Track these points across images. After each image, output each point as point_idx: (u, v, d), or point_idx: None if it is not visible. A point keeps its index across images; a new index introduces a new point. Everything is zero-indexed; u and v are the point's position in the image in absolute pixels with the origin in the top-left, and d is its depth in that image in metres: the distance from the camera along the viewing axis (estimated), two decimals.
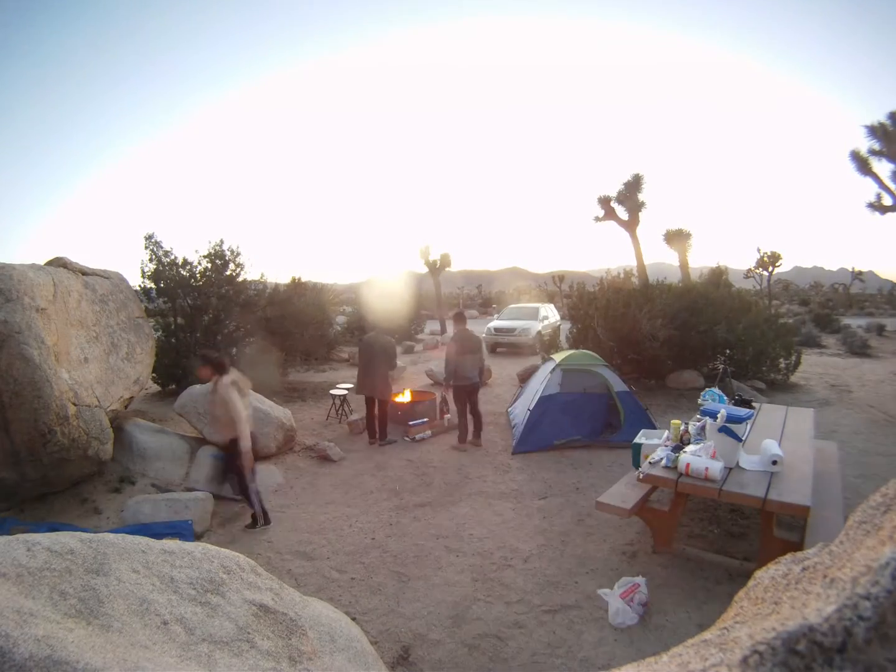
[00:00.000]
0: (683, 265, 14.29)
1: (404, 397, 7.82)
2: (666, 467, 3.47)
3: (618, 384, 6.28)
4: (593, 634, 2.90)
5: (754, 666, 0.57)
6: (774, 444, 3.57)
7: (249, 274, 9.46)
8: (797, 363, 9.30)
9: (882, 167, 11.25)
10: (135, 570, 1.63)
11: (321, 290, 12.09)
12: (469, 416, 6.40)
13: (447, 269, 21.01)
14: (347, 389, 8.07)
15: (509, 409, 7.68)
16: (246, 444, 4.11)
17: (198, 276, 8.83)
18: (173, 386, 8.63)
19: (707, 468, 3.25)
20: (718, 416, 3.54)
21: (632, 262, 13.58)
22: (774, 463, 3.38)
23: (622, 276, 10.73)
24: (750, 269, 31.65)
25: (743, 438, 3.64)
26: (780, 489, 3.08)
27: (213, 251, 9.01)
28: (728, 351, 8.88)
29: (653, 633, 2.88)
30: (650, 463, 3.62)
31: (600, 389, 6.30)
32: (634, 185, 13.70)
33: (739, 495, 3.12)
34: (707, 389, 4.65)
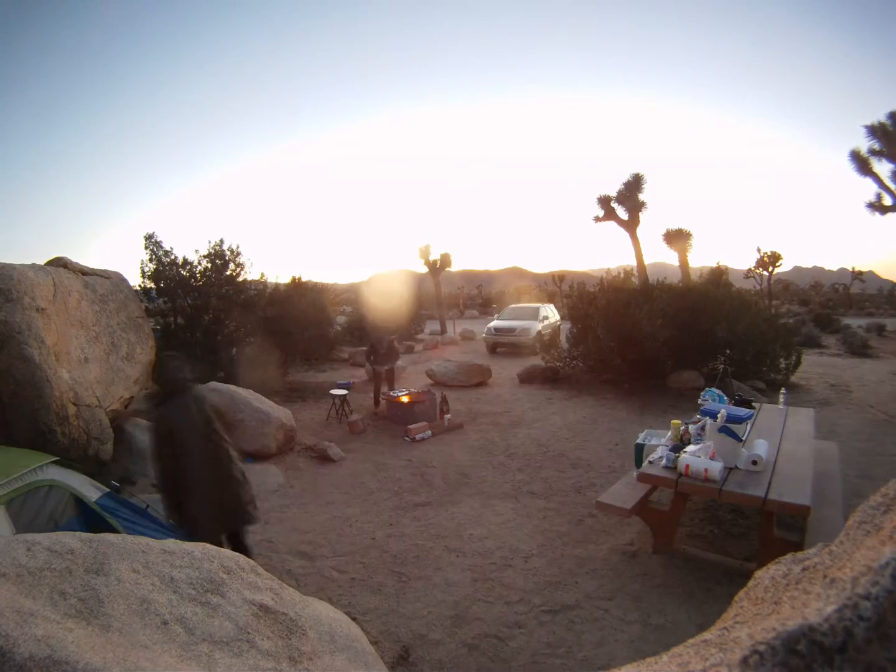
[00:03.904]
0: (683, 265, 14.31)
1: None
2: (666, 467, 3.47)
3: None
4: (593, 634, 2.90)
5: (754, 666, 0.57)
6: (762, 444, 3.54)
7: (249, 274, 9.49)
8: (797, 363, 9.29)
9: (882, 167, 11.26)
10: (135, 570, 1.63)
11: (321, 290, 12.09)
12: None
13: (447, 269, 21.02)
14: (347, 389, 8.07)
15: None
16: None
17: (198, 276, 8.84)
18: None
19: (707, 468, 3.25)
20: (718, 416, 3.54)
21: (632, 262, 13.59)
22: (754, 463, 3.35)
23: (622, 276, 10.72)
24: (750, 269, 31.67)
25: (743, 438, 3.64)
26: (780, 489, 3.08)
27: (213, 251, 9.02)
28: (728, 351, 8.88)
29: (653, 633, 2.88)
30: (650, 462, 3.62)
31: None
32: (634, 185, 13.72)
33: (739, 495, 3.12)
34: (707, 389, 4.65)
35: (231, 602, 1.70)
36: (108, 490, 3.74)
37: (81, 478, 3.64)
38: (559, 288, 35.32)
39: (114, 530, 3.25)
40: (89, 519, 3.35)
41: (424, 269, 20.87)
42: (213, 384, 6.13)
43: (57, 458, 3.53)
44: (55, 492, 3.29)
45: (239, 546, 3.07)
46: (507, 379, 10.57)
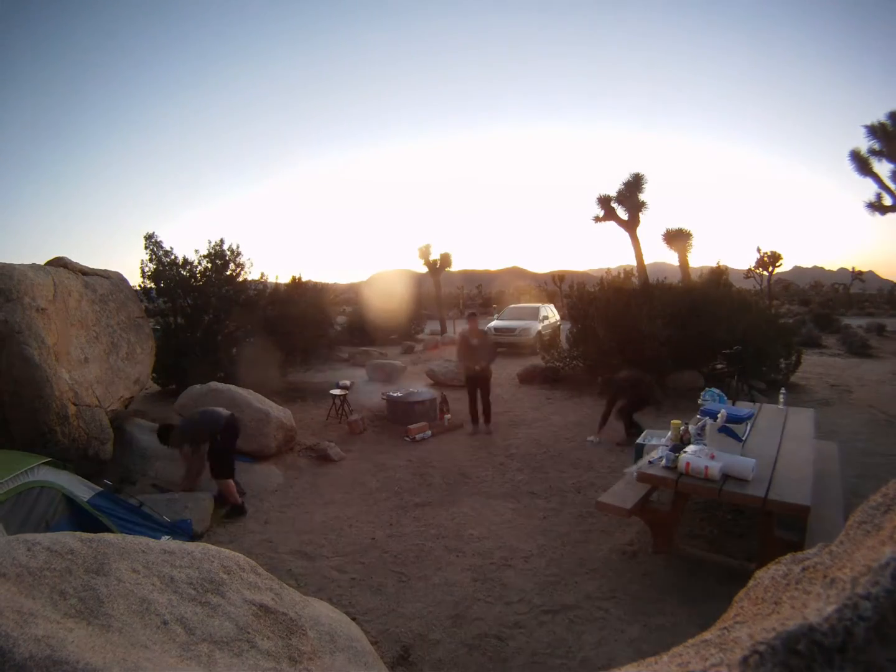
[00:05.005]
0: (683, 265, 14.28)
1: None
2: (666, 467, 3.47)
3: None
4: (593, 634, 2.90)
5: (754, 666, 0.57)
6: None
7: (249, 274, 9.49)
8: (797, 363, 9.29)
9: (882, 167, 11.27)
10: (135, 570, 1.63)
11: (321, 290, 12.09)
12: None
13: (447, 269, 21.02)
14: (346, 388, 8.07)
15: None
16: None
17: (198, 276, 8.84)
18: (173, 386, 8.63)
19: (707, 467, 3.25)
20: (718, 416, 3.54)
21: (632, 262, 13.57)
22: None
23: (622, 276, 10.70)
24: (750, 269, 31.67)
25: (743, 438, 3.64)
26: (780, 489, 3.08)
27: (213, 251, 9.02)
28: (728, 350, 8.88)
29: (653, 633, 2.88)
30: (649, 462, 3.62)
31: None
32: (634, 185, 13.69)
33: (739, 495, 3.12)
34: (707, 389, 4.64)
35: (231, 602, 1.70)
36: (100, 489, 3.73)
37: (73, 478, 3.65)
38: (559, 288, 35.29)
39: (107, 529, 3.26)
40: (82, 519, 3.36)
41: (424, 269, 20.86)
42: (213, 384, 6.13)
43: (48, 459, 3.53)
44: (46, 493, 3.29)
45: None
46: (507, 379, 10.57)
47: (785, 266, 31.64)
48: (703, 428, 3.75)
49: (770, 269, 30.16)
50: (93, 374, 5.08)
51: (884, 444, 5.97)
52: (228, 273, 9.10)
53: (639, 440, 4.79)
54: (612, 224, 14.30)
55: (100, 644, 1.27)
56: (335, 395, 7.82)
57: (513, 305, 17.98)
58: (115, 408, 5.50)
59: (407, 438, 6.69)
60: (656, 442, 4.46)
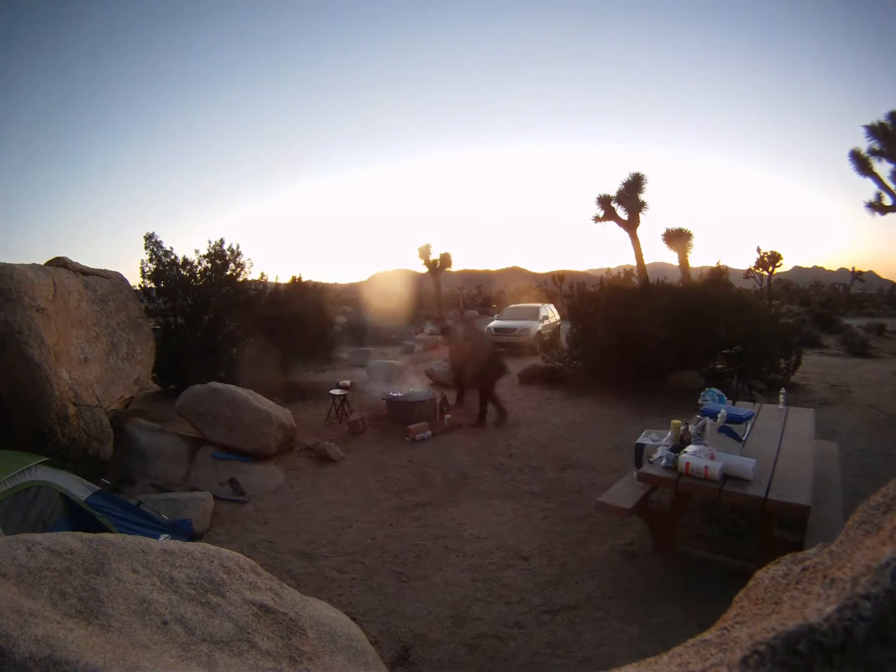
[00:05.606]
0: (683, 265, 14.29)
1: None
2: (666, 467, 3.46)
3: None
4: (593, 634, 2.89)
5: (754, 666, 0.57)
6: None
7: (249, 274, 9.49)
8: (797, 363, 9.29)
9: (882, 167, 11.28)
10: (135, 570, 1.63)
11: (321, 290, 12.08)
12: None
13: (447, 269, 21.04)
14: (346, 388, 8.06)
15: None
16: None
17: (198, 275, 8.84)
18: (173, 386, 8.62)
19: (707, 467, 3.24)
20: (718, 416, 3.54)
21: (632, 262, 13.59)
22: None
23: (622, 276, 10.72)
24: (750, 269, 31.66)
25: (743, 438, 3.63)
26: (780, 489, 3.08)
27: (213, 251, 9.02)
28: (728, 350, 8.88)
29: (653, 633, 2.88)
30: (650, 462, 3.62)
31: None
32: (634, 185, 13.70)
33: (739, 495, 3.11)
34: (707, 389, 4.64)
35: (231, 602, 1.70)
36: (98, 489, 3.73)
37: (71, 477, 3.64)
38: (559, 288, 35.27)
39: (106, 529, 3.25)
40: (80, 519, 3.35)
41: (424, 269, 20.89)
42: (213, 384, 6.12)
43: (46, 459, 3.52)
44: (44, 493, 3.29)
45: None
46: (507, 379, 10.56)
47: (785, 266, 31.68)
48: (703, 428, 3.75)
49: (770, 269, 30.18)
50: (93, 374, 5.09)
51: (884, 444, 5.97)
52: (228, 273, 9.10)
53: (639, 440, 4.79)
54: (612, 224, 14.31)
55: (100, 644, 1.27)
56: (335, 395, 7.82)
57: (513, 305, 17.97)
58: (115, 408, 5.50)
59: (407, 438, 6.69)
60: (657, 441, 4.46)
